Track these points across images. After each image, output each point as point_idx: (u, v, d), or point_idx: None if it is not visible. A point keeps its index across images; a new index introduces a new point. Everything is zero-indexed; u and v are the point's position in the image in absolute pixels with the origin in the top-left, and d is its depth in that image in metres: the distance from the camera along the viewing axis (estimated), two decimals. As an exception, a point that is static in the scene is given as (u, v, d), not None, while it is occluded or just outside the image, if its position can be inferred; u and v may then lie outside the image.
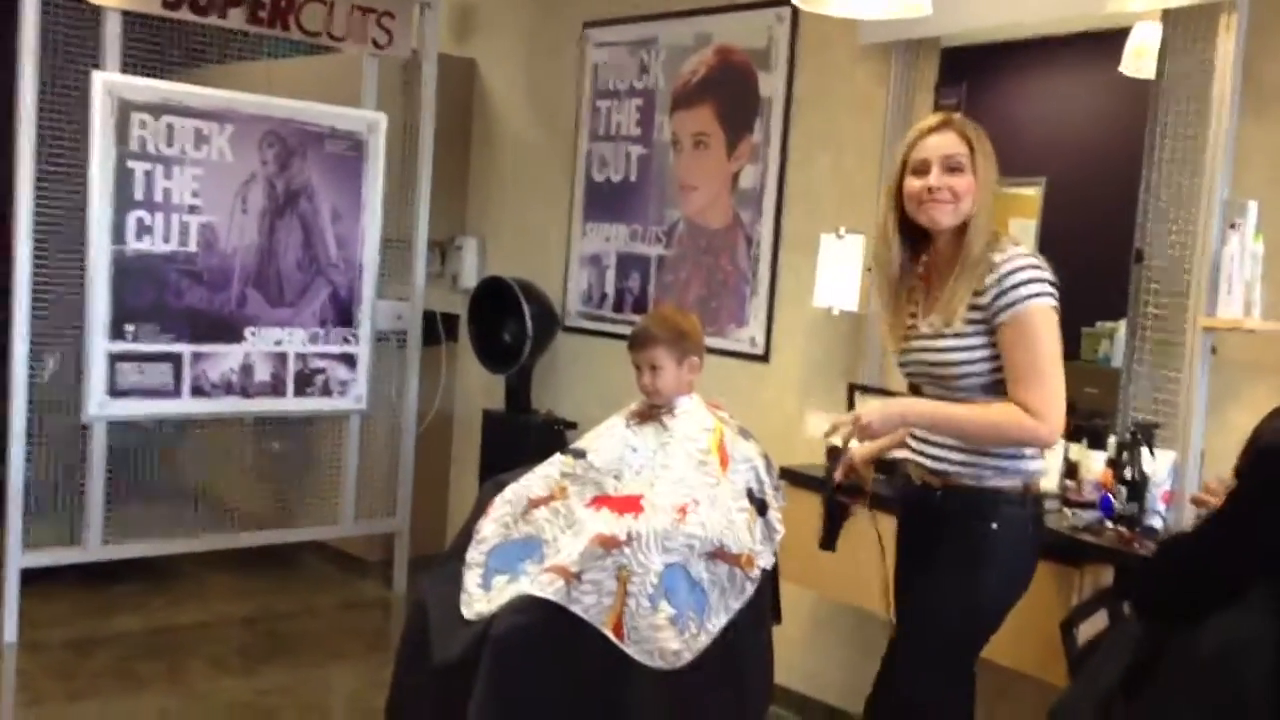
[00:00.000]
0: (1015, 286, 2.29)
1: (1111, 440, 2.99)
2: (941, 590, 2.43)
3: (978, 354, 2.36)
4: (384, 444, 5.14)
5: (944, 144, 2.37)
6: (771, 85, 4.11)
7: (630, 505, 2.55)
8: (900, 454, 2.58)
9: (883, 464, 2.80)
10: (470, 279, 5.25)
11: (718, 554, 2.56)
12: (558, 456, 2.82)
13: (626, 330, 4.62)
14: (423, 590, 2.75)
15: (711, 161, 4.32)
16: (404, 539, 5.14)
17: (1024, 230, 3.39)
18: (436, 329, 5.24)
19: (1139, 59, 3.40)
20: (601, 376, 4.76)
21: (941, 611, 2.44)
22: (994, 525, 2.38)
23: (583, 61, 4.81)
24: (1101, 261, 3.28)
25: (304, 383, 4.75)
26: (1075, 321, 2.96)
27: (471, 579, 2.66)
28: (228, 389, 4.56)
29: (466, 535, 2.76)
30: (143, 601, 4.75)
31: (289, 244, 4.67)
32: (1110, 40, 3.32)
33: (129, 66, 4.35)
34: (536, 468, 2.81)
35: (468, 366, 5.31)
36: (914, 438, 2.51)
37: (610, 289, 4.72)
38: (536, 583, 2.48)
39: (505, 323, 4.82)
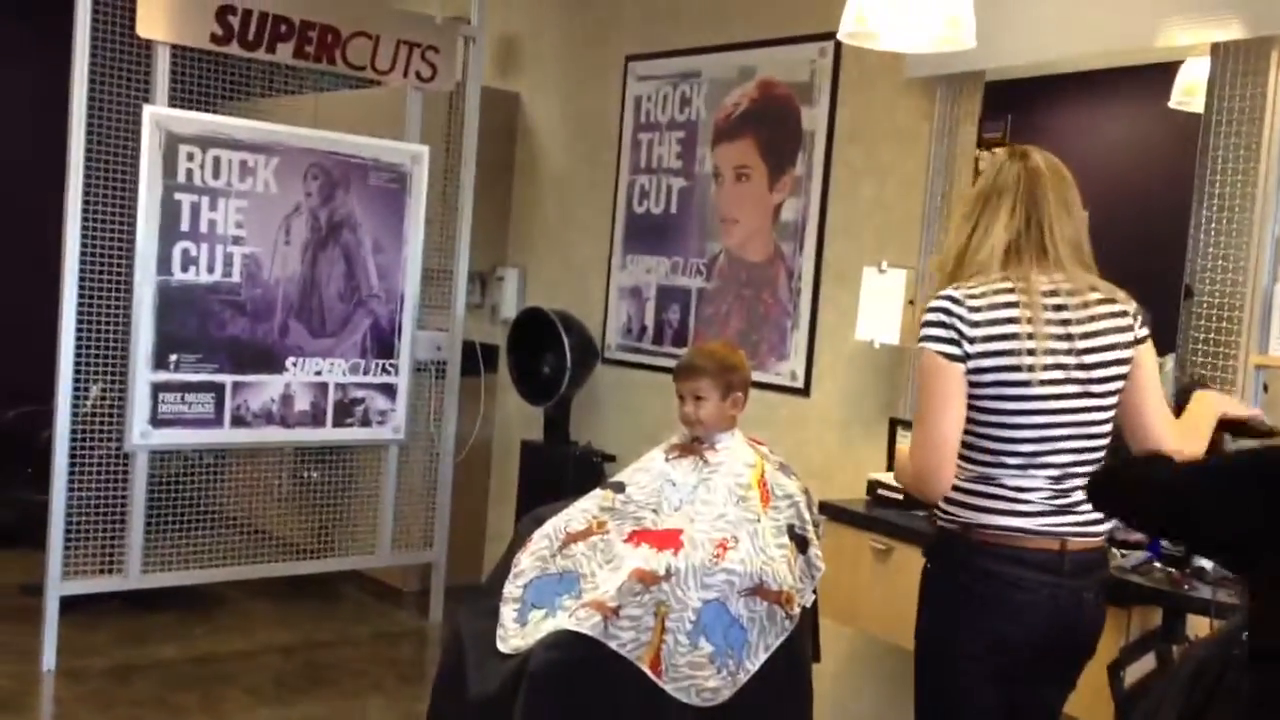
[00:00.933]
0: (921, 328, 2.22)
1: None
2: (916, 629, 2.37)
3: None
4: (422, 474, 5.15)
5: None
6: (814, 118, 4.10)
7: (670, 540, 2.53)
8: None
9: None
10: (510, 310, 5.26)
11: (757, 591, 2.53)
12: (597, 491, 2.81)
13: (666, 363, 4.65)
14: (459, 623, 2.73)
15: (753, 194, 4.31)
16: (440, 569, 5.13)
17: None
18: (476, 360, 5.25)
19: (1188, 95, 3.37)
20: (640, 409, 4.74)
21: (916, 652, 2.38)
22: (928, 565, 2.33)
23: (624, 94, 4.83)
24: (1145, 296, 3.23)
25: (343, 413, 4.76)
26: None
27: (508, 613, 2.64)
28: (268, 419, 4.58)
29: (504, 569, 2.74)
30: (182, 630, 4.77)
31: (331, 275, 4.70)
32: (1158, 74, 3.29)
33: (177, 99, 4.41)
34: (576, 502, 2.79)
35: (506, 397, 5.31)
36: None
37: (650, 321, 4.71)
38: (574, 618, 2.46)
39: (544, 354, 4.82)
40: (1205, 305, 2.95)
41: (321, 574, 5.05)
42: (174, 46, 4.33)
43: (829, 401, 4.05)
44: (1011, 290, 2.18)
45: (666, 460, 2.81)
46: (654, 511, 2.68)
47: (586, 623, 2.43)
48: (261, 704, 4.12)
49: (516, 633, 2.59)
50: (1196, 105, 3.24)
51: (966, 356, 2.15)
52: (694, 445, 2.80)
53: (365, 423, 4.82)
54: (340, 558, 5.02)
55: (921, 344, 2.19)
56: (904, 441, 2.45)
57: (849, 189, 4.00)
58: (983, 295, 2.18)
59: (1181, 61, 3.23)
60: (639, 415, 4.75)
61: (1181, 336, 3.00)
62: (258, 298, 4.51)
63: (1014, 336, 2.16)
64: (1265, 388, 2.83)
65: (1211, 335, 2.93)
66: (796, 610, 2.56)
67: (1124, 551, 2.81)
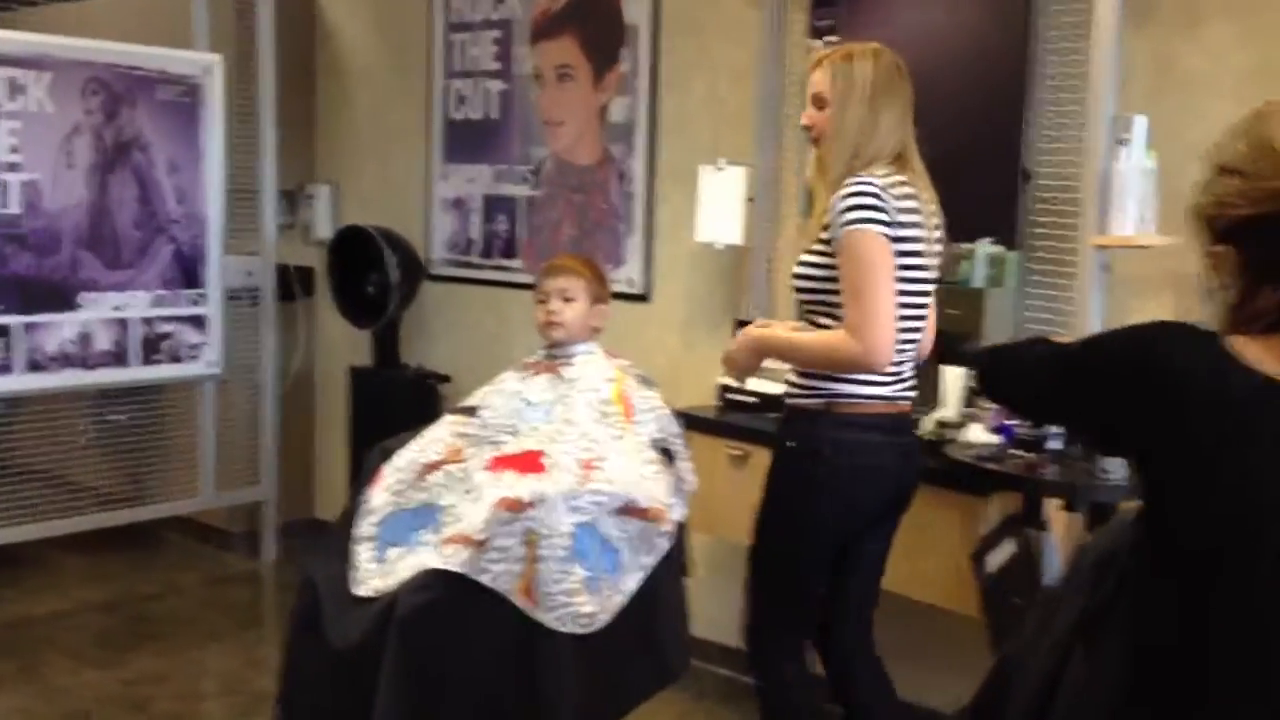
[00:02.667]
0: (842, 211, 2.32)
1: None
2: (760, 508, 2.52)
3: (817, 272, 2.41)
4: (243, 409, 4.85)
5: (814, 81, 2.45)
6: (637, 11, 3.94)
7: (532, 464, 2.40)
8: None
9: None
10: (325, 229, 4.96)
11: (628, 510, 2.43)
12: (447, 416, 2.65)
13: (497, 276, 4.47)
14: (309, 569, 2.56)
15: (577, 95, 4.13)
16: (270, 507, 4.88)
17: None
18: (291, 284, 4.95)
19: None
20: (472, 326, 4.56)
21: (758, 529, 2.53)
22: (790, 443, 2.47)
23: (432, -8, 4.54)
24: (981, 181, 3.23)
25: (150, 349, 4.42)
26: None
27: (363, 554, 2.47)
28: (66, 361, 4.21)
29: (353, 507, 2.56)
30: (-10, 594, 4.41)
31: (123, 200, 4.31)
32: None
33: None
34: (425, 430, 2.62)
35: (328, 322, 5.04)
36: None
37: (477, 234, 4.50)
38: (439, 554, 2.31)
39: (367, 274, 4.56)
40: (1043, 188, 2.96)
41: (140, 522, 4.73)
42: (-84, -51, 3.83)
43: (670, 307, 3.96)
44: (907, 184, 2.39)
45: (520, 379, 2.66)
46: (512, 434, 2.54)
47: (454, 559, 2.29)
48: (87, 665, 3.84)
49: (374, 573, 2.43)
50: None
51: (892, 239, 2.33)
52: (549, 362, 2.66)
53: (175, 358, 4.49)
54: (159, 503, 4.70)
55: (858, 225, 2.30)
56: (814, 330, 2.45)
57: (679, 84, 3.87)
58: (894, 186, 2.35)
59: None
60: (471, 332, 4.57)
61: (1021, 220, 3.01)
62: (41, 229, 4.10)
63: (917, 226, 2.39)
64: (1107, 267, 2.86)
65: (1051, 219, 2.95)
66: (669, 527, 2.48)
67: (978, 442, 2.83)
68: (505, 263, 4.42)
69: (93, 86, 4.18)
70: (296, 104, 4.93)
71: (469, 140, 4.49)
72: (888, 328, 2.30)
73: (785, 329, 2.55)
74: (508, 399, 2.61)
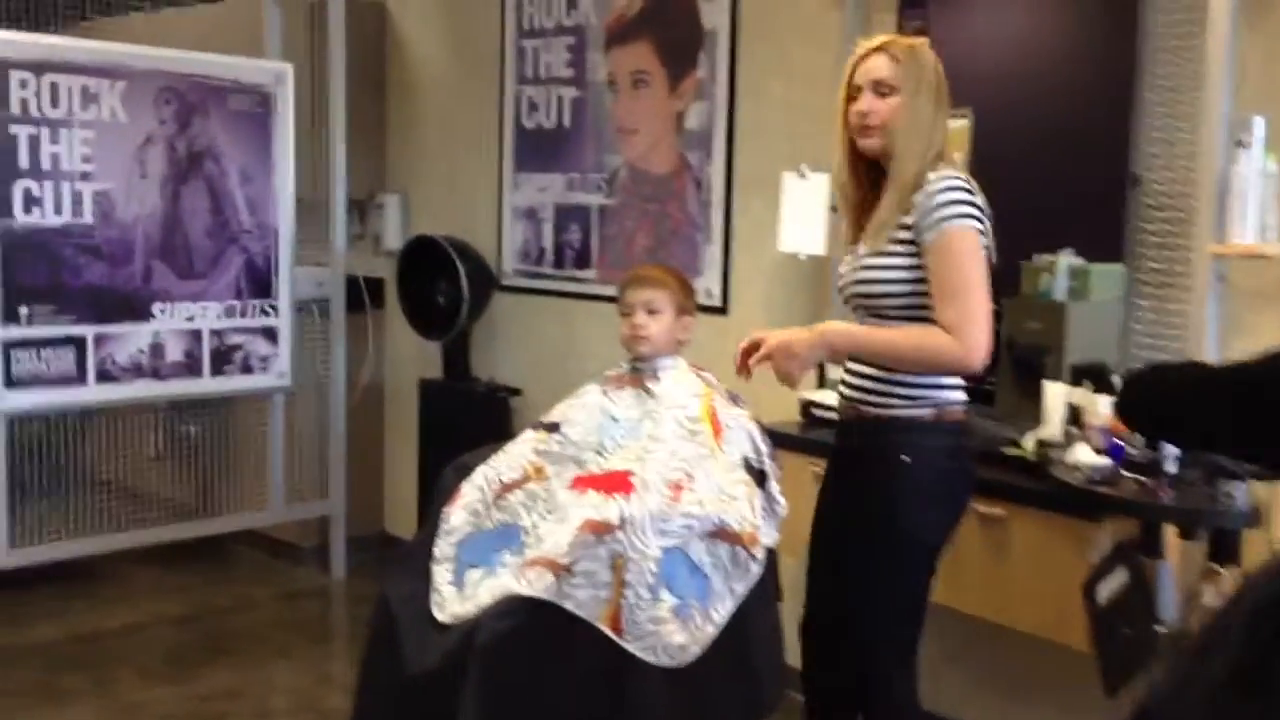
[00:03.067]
0: (941, 206, 2.24)
1: (1117, 381, 2.80)
2: (868, 535, 2.36)
3: (901, 274, 2.31)
4: (312, 422, 4.80)
5: (874, 68, 2.33)
6: (714, 15, 3.83)
7: (619, 484, 2.29)
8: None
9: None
10: (395, 239, 4.90)
11: (718, 533, 2.31)
12: (528, 433, 2.54)
13: (569, 287, 4.38)
14: (386, 589, 2.46)
15: (653, 101, 4.03)
16: (339, 522, 4.82)
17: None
18: (361, 295, 4.89)
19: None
20: (543, 337, 4.47)
21: (875, 552, 2.37)
22: (905, 458, 2.32)
23: (504, -1, 4.47)
24: (1086, 188, 3.09)
25: (221, 360, 4.38)
26: (1012, 256, 2.84)
27: (442, 576, 2.38)
28: (138, 372, 4.18)
29: (432, 526, 2.47)
30: (62, 607, 4.38)
31: (196, 210, 4.28)
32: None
33: (4, 21, 3.91)
34: (506, 446, 2.52)
35: (397, 334, 4.98)
36: (848, 370, 2.44)
37: (548, 243, 4.41)
38: (522, 579, 2.21)
39: (437, 285, 4.49)
40: (1154, 194, 2.80)
41: (210, 535, 4.69)
42: (-7, -40, 3.83)
43: (749, 319, 3.83)
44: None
45: (604, 394, 2.55)
46: (596, 452, 2.43)
47: (538, 584, 2.18)
48: (158, 681, 3.80)
49: (454, 597, 2.33)
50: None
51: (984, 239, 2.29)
52: (634, 376, 2.55)
53: (246, 369, 4.45)
54: (229, 517, 4.67)
55: (959, 220, 2.23)
56: (912, 328, 2.31)
57: (757, 90, 3.75)
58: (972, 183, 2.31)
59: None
60: (542, 344, 4.48)
61: (1130, 228, 2.85)
62: (114, 239, 4.08)
63: (989, 229, 2.32)
64: (1222, 278, 2.70)
65: (1163, 226, 2.79)
66: (761, 551, 2.36)
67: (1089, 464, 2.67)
68: (578, 273, 4.32)
69: (166, 96, 4.16)
70: (367, 113, 4.89)
71: (541, 148, 4.40)
72: (988, 328, 2.23)
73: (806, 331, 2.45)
74: (591, 414, 2.51)
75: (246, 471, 4.73)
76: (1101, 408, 2.79)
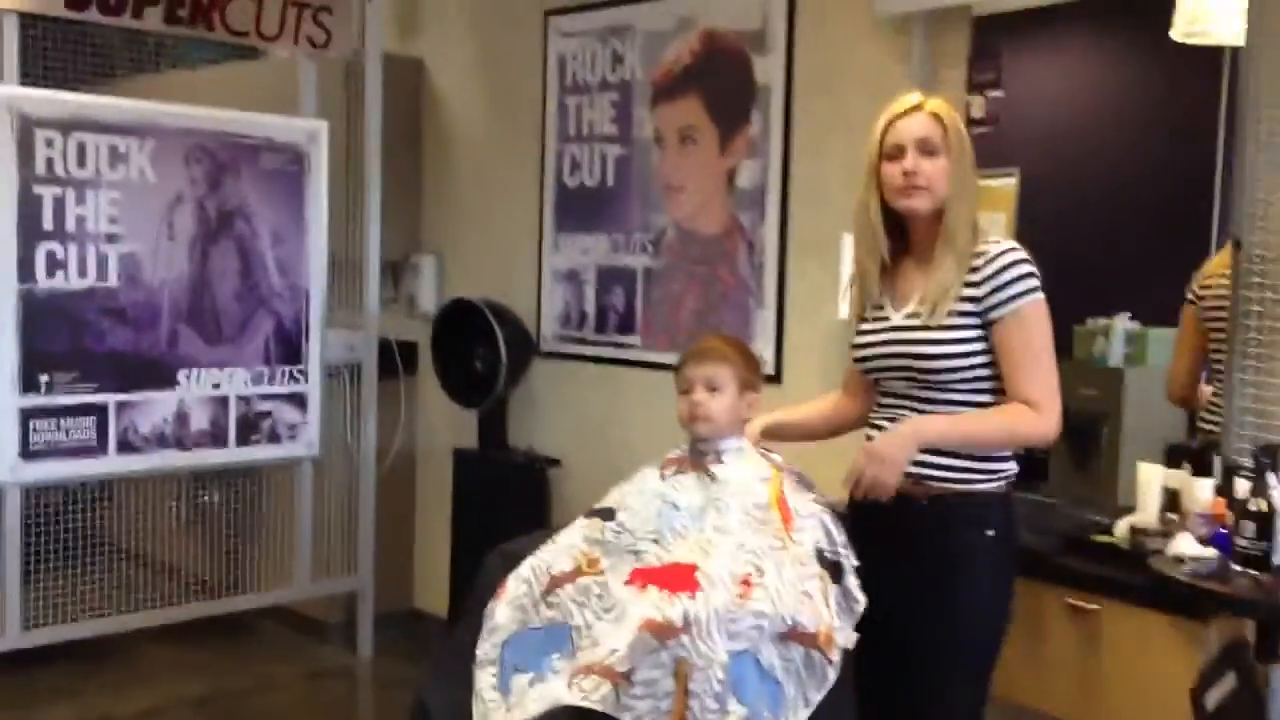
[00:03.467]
0: (1014, 280, 2.22)
1: (1217, 463, 2.56)
2: (952, 613, 2.26)
3: (971, 346, 2.25)
4: (340, 492, 4.60)
5: (917, 127, 2.29)
6: (768, 70, 3.65)
7: (683, 580, 2.06)
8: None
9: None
10: (429, 302, 4.72)
11: (791, 634, 2.08)
12: (580, 520, 2.32)
13: (612, 354, 4.17)
14: (424, 696, 2.24)
15: (702, 159, 3.85)
16: (367, 598, 4.59)
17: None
18: (394, 360, 4.70)
19: (1192, 24, 3.00)
20: (584, 406, 4.27)
21: (960, 634, 2.27)
22: (989, 532, 2.28)
23: (546, 54, 4.32)
24: (1172, 251, 2.89)
25: (248, 429, 4.19)
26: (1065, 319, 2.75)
27: (485, 680, 2.15)
28: (160, 441, 4.00)
29: (474, 623, 2.25)
30: (75, 687, 4.16)
31: (225, 272, 4.12)
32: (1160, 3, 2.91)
33: (31, 78, 3.79)
34: (556, 535, 2.30)
35: (430, 401, 4.78)
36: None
37: (590, 307, 4.22)
38: (575, 688, 1.98)
39: (475, 350, 4.30)
40: (1258, 259, 2.57)
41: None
42: (22, 15, 3.69)
43: (804, 389, 3.60)
44: None
45: (663, 478, 2.33)
46: (655, 543, 2.21)
47: (594, 694, 1.96)
48: (176, 772, 3.57)
49: (499, 705, 2.10)
50: (1202, 36, 2.89)
51: None
52: (695, 459, 2.33)
53: (274, 438, 4.26)
54: (254, 594, 4.44)
55: (1036, 294, 2.22)
56: (999, 410, 2.26)
57: (815, 147, 3.56)
58: None
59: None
60: (583, 413, 4.27)
61: (1233, 296, 2.62)
62: (140, 303, 3.91)
63: None
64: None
65: (1269, 295, 2.56)
66: (837, 654, 2.12)
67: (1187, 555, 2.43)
68: (621, 339, 4.12)
69: (196, 155, 4.01)
70: (402, 172, 4.73)
71: (583, 208, 4.22)
72: (1060, 399, 2.24)
73: (795, 414, 2.55)
74: (649, 501, 2.28)
75: (271, 544, 4.52)
76: (1202, 492, 2.56)
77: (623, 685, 1.96)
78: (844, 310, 3.31)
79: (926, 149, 2.26)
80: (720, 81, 3.78)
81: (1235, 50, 2.82)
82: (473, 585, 2.37)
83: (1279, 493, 2.36)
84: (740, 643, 2.04)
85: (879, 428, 2.34)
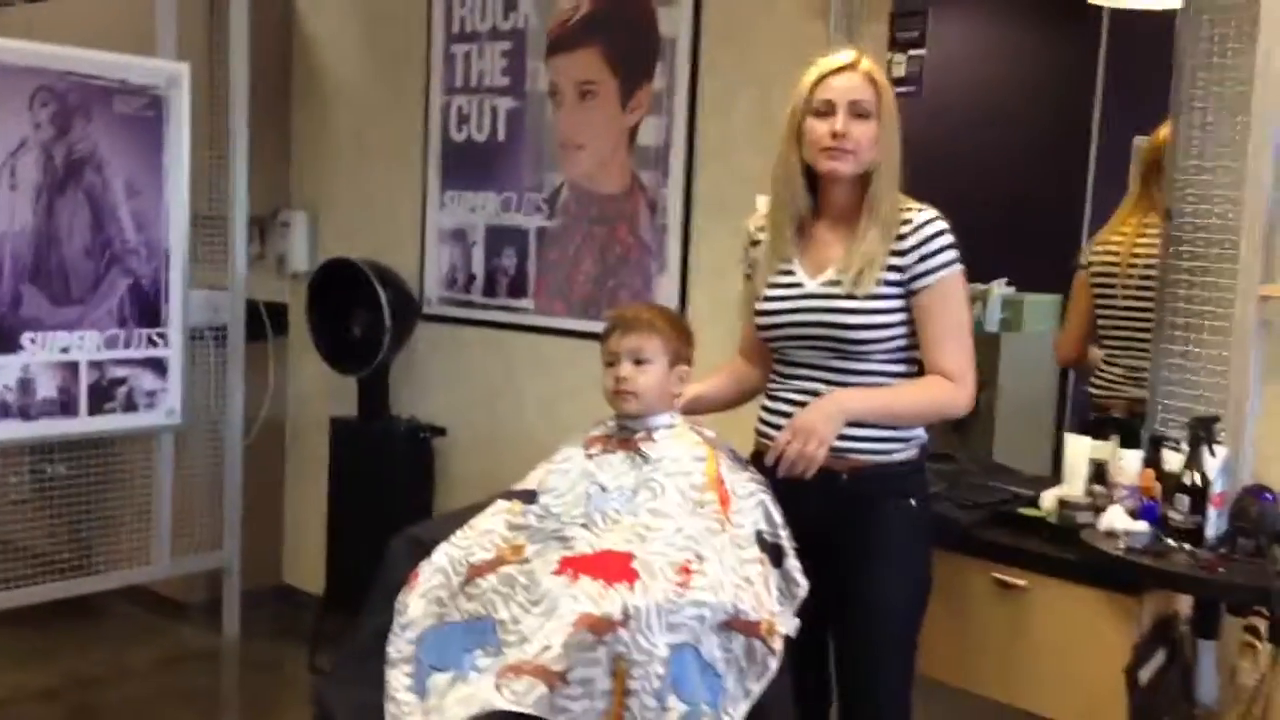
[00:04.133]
0: (939, 251, 2.18)
1: (1144, 435, 2.52)
2: (882, 582, 2.23)
3: (891, 318, 2.20)
4: (204, 463, 4.28)
5: (851, 87, 2.19)
6: (674, 21, 3.47)
7: (619, 570, 1.90)
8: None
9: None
10: (300, 261, 4.42)
11: (733, 623, 1.94)
12: (499, 503, 2.13)
13: (500, 316, 3.96)
14: (325, 696, 2.03)
15: (602, 114, 3.65)
16: (233, 575, 4.30)
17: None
18: (261, 322, 4.40)
19: (1110, -15, 2.94)
20: (471, 372, 4.05)
21: (888, 604, 2.24)
22: (911, 501, 2.27)
23: (431, -1, 4.05)
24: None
25: (102, 397, 3.85)
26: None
27: (398, 680, 1.96)
28: (3, 411, 3.63)
29: (382, 617, 2.04)
30: (-96, 681, 3.79)
31: (74, 227, 3.75)
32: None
33: None
34: (472, 520, 2.10)
35: (301, 366, 4.50)
36: (780, 414, 2.24)
37: (479, 269, 3.99)
38: (505, 690, 1.80)
39: (350, 313, 4.03)
40: (1189, 228, 2.52)
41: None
42: None
43: (709, 357, 3.40)
44: None
45: (589, 457, 2.15)
46: (584, 527, 2.03)
47: (526, 698, 1.78)
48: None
49: (414, 707, 1.91)
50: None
51: None
52: (624, 437, 2.15)
53: (130, 407, 3.93)
54: (109, 573, 4.10)
55: (958, 264, 2.19)
56: (918, 382, 2.25)
57: (723, 104, 3.40)
58: None
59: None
60: (470, 379, 4.05)
61: (1161, 264, 2.57)
62: (-22, 259, 3.54)
63: None
64: (1266, 325, 2.43)
65: (1200, 264, 2.51)
66: (779, 642, 1.99)
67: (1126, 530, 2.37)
68: (512, 302, 3.91)
69: (42, 97, 3.63)
70: (268, 121, 4.40)
71: (471, 164, 3.98)
72: (975, 372, 2.23)
73: (708, 386, 2.43)
74: (575, 482, 2.11)
75: (127, 519, 4.18)
76: (1130, 465, 2.51)
77: (558, 686, 1.79)
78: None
79: (858, 111, 2.17)
80: (622, 33, 3.59)
81: (1113, 14, 2.81)
82: (377, 574, 2.17)
83: (1213, 465, 2.33)
84: (680, 635, 1.89)
85: (783, 399, 2.26)
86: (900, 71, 2.96)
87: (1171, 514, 2.34)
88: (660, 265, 3.55)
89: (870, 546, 2.22)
